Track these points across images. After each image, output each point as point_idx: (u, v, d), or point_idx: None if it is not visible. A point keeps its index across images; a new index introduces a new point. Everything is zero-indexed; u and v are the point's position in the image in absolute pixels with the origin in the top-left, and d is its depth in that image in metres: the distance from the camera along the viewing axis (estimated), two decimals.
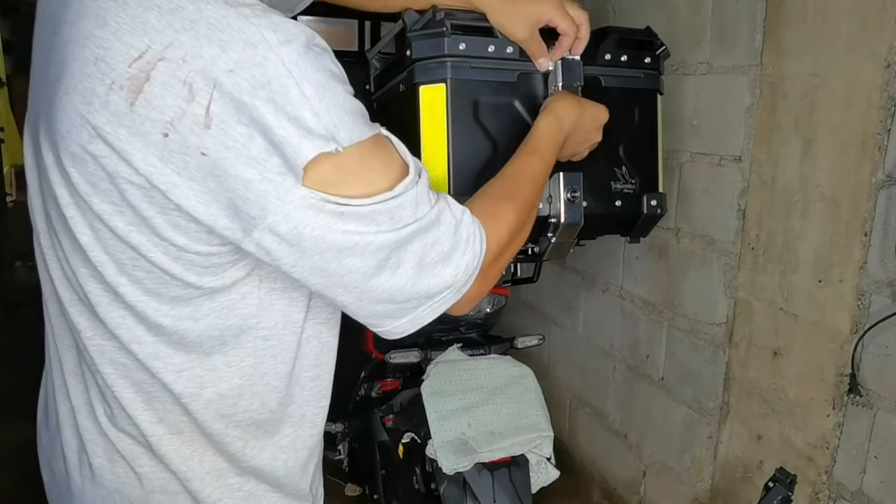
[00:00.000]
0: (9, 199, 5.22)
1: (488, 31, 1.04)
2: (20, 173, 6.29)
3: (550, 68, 1.06)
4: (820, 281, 1.32)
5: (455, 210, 0.69)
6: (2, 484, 2.38)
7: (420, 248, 0.64)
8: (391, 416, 1.87)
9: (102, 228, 0.61)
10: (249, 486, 0.77)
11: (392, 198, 0.61)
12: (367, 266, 0.62)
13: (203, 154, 0.54)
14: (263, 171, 0.55)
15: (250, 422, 0.74)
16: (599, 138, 1.05)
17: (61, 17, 0.58)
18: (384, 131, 0.65)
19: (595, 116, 1.01)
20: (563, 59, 1.05)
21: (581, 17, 1.00)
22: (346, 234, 0.59)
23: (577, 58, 1.05)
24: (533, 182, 0.85)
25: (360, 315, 0.68)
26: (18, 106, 6.81)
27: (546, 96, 1.11)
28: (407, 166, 0.64)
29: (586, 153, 1.07)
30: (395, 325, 0.69)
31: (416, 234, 0.63)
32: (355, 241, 0.60)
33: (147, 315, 0.65)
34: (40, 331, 0.79)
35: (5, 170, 5.10)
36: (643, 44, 1.24)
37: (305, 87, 0.55)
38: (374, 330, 0.70)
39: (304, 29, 0.57)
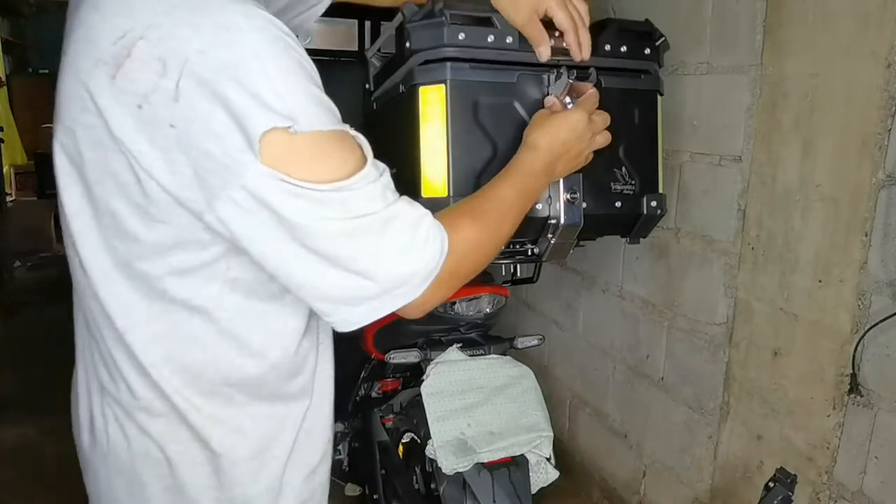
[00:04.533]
0: (9, 199, 5.22)
1: (487, 22, 1.04)
2: (20, 173, 6.29)
3: (549, 57, 1.03)
4: (820, 281, 1.32)
5: (416, 211, 0.70)
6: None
7: (375, 241, 0.66)
8: (391, 416, 1.87)
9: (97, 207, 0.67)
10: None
11: (345, 189, 0.63)
12: (322, 249, 0.64)
13: (172, 126, 0.59)
14: (225, 147, 0.59)
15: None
16: (596, 144, 0.98)
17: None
18: (352, 131, 0.67)
19: (572, 128, 0.94)
20: (558, 71, 1.05)
21: (582, 7, 0.98)
22: (300, 212, 0.62)
23: (571, 80, 1.01)
24: (502, 206, 0.84)
25: (315, 299, 0.69)
26: (18, 106, 6.81)
27: (546, 97, 1.11)
28: (366, 163, 0.66)
29: (589, 159, 1.01)
30: (350, 315, 0.69)
31: (371, 226, 0.65)
32: (307, 223, 0.62)
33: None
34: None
35: (5, 170, 5.10)
36: (642, 35, 1.23)
37: (270, 69, 0.59)
38: (327, 319, 0.71)
39: (280, 24, 0.61)
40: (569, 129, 0.94)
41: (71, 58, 0.63)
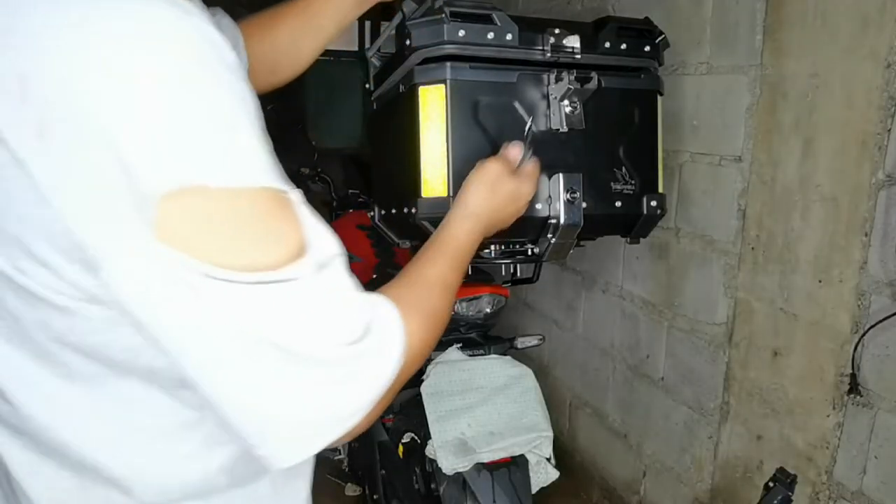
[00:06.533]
0: None
1: (487, 19, 1.04)
2: None
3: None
4: (820, 281, 1.32)
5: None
6: None
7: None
8: (391, 416, 1.87)
9: None
10: None
11: (276, 281, 0.45)
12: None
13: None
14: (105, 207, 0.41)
15: None
16: (523, 208, 0.94)
17: None
18: (295, 196, 0.48)
19: (517, 199, 0.89)
20: (559, 72, 1.05)
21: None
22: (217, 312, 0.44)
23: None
24: (449, 295, 0.72)
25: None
26: None
27: (545, 97, 1.11)
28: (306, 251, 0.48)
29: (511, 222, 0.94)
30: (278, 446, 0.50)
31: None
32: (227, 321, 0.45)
33: None
34: None
35: None
36: (642, 32, 1.23)
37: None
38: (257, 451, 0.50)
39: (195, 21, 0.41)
40: (515, 202, 0.88)
41: None
